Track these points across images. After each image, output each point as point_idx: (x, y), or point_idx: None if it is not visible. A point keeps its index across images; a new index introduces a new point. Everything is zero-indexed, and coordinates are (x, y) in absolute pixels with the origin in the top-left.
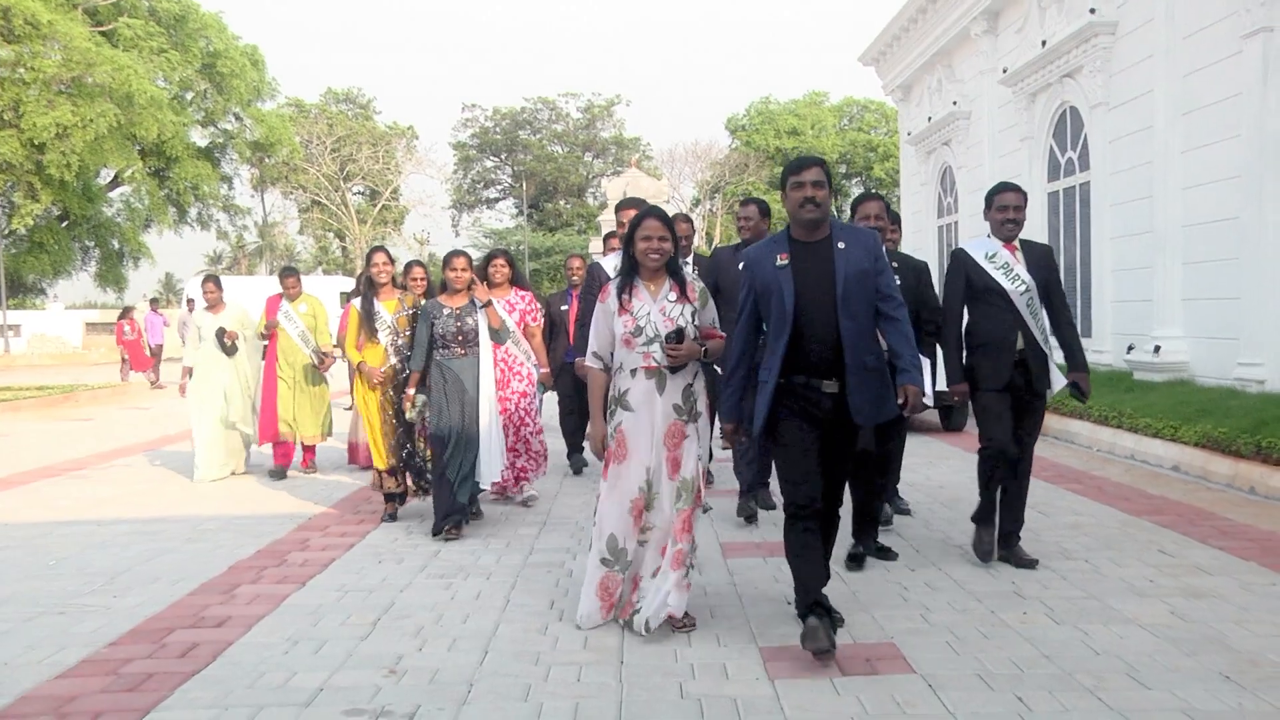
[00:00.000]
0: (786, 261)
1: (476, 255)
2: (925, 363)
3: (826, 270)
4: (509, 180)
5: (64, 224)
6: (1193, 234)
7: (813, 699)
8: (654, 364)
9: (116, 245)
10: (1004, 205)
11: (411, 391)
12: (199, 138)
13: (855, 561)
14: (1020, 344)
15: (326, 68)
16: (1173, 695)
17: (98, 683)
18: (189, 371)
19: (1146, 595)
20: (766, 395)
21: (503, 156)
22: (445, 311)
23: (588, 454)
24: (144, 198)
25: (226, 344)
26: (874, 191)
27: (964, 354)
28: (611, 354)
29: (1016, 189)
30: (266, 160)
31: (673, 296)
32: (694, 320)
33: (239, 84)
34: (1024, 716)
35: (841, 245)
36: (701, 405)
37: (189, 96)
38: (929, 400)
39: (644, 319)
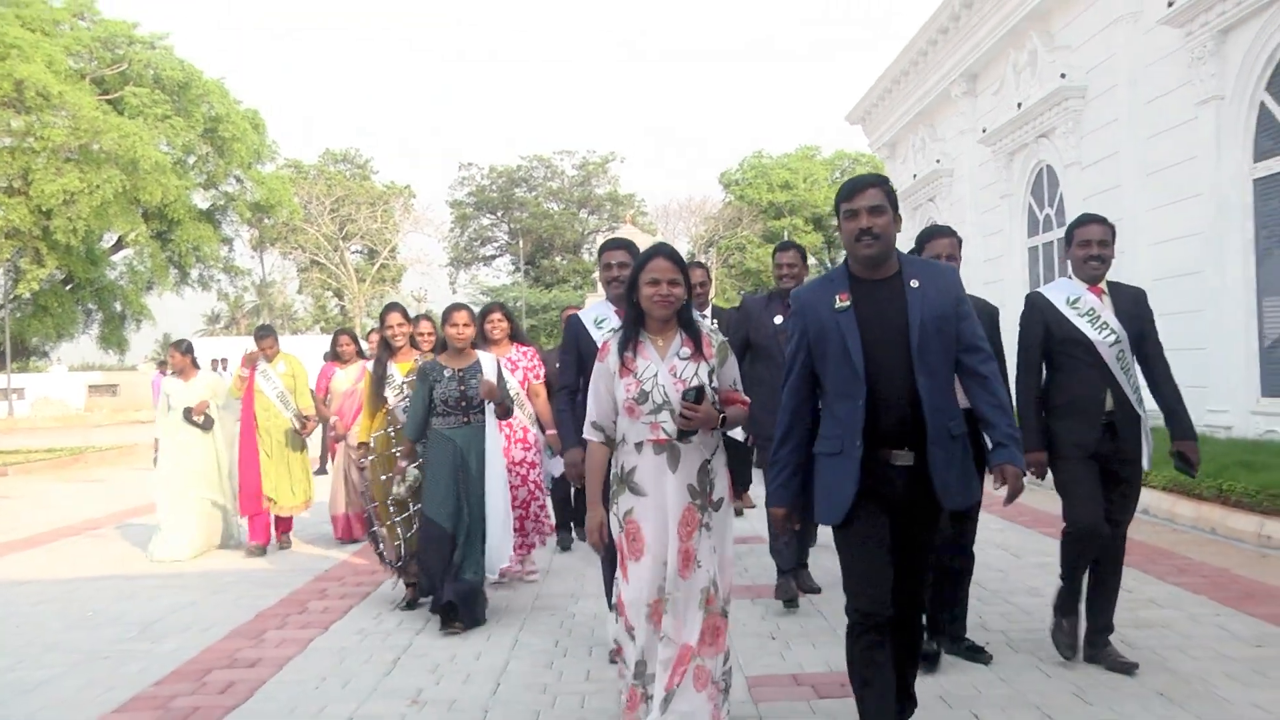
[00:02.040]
0: (848, 303)
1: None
2: None
3: (898, 314)
4: (505, 237)
5: (68, 287)
6: (1161, 287)
7: (790, 717)
8: (664, 436)
9: (119, 307)
10: (1086, 240)
11: (404, 463)
12: (201, 200)
13: (928, 661)
14: (1110, 404)
15: (325, 129)
16: (1111, 710)
17: (149, 715)
18: (158, 443)
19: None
20: (849, 471)
21: (499, 214)
22: (446, 373)
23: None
24: (146, 260)
25: (197, 420)
26: (944, 226)
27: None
28: (614, 423)
29: (1102, 220)
30: (266, 221)
31: (685, 353)
32: (711, 381)
33: (240, 147)
34: None
35: (915, 284)
36: (722, 489)
37: (191, 160)
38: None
39: (650, 382)
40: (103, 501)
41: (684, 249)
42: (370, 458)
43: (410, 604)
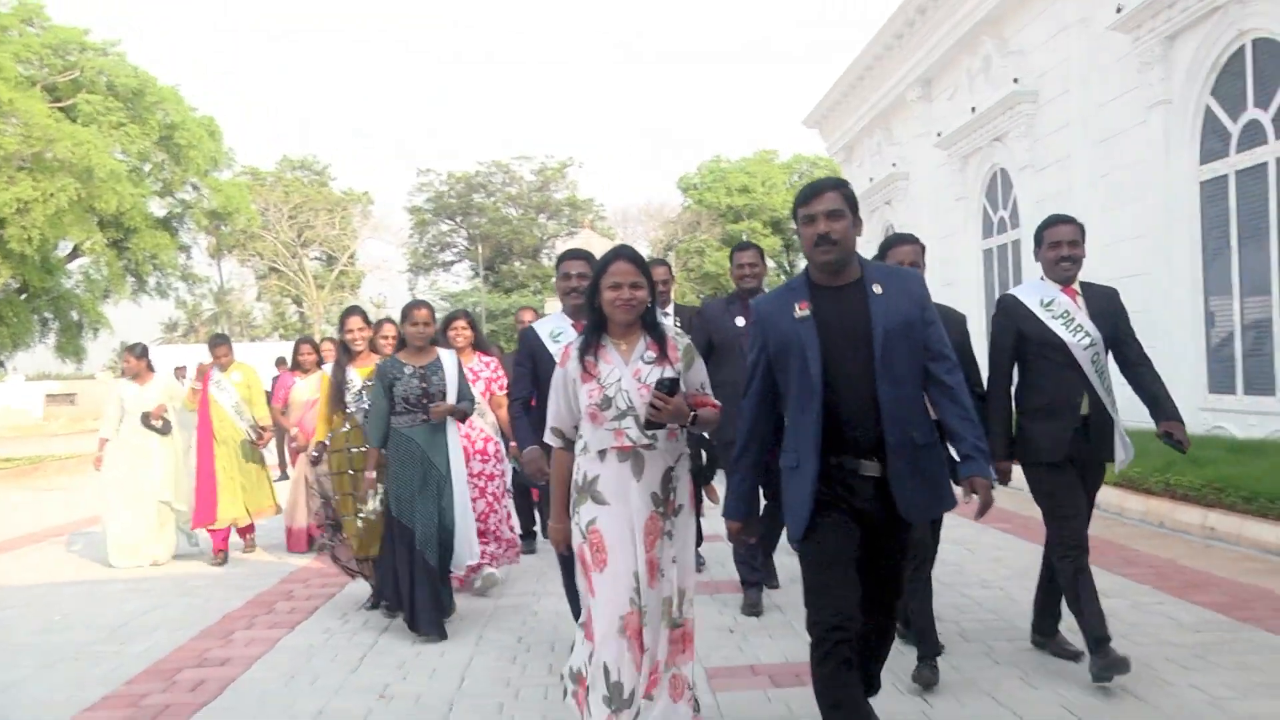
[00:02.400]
0: (808, 312)
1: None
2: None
3: (860, 321)
4: (464, 243)
5: (23, 296)
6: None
7: (748, 705)
8: (628, 443)
9: (76, 316)
10: (1057, 241)
11: (372, 474)
12: (157, 208)
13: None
14: (1085, 407)
15: (281, 136)
16: (1056, 693)
17: (121, 713)
18: (104, 443)
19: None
20: (805, 485)
21: (458, 220)
22: (407, 370)
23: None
24: (103, 269)
25: (156, 425)
26: (907, 234)
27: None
28: (574, 428)
29: (1071, 221)
30: (224, 228)
31: (650, 356)
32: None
33: (196, 155)
34: (927, 714)
35: (878, 289)
36: (684, 495)
37: (147, 168)
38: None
39: (613, 387)
40: (64, 509)
41: (643, 253)
42: (326, 455)
43: (375, 604)
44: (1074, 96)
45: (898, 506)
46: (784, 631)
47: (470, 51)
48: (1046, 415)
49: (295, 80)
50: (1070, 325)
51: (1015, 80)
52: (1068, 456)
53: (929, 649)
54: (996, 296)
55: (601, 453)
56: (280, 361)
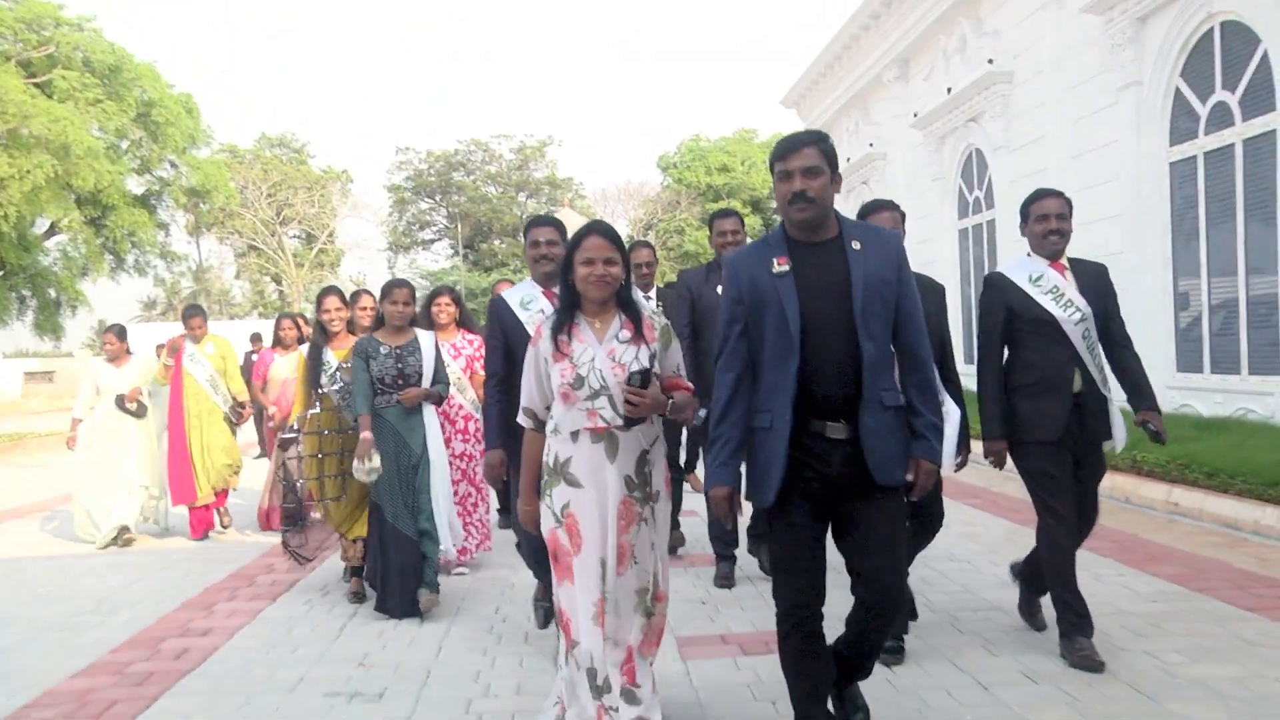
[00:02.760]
0: (787, 267)
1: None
2: (954, 413)
3: (839, 277)
4: (444, 222)
5: (0, 274)
6: None
7: (717, 672)
8: (602, 424)
9: (53, 294)
10: (1044, 214)
11: (369, 434)
12: (135, 185)
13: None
14: (1078, 384)
15: (260, 113)
16: (1015, 660)
17: (107, 680)
18: (77, 423)
19: (1010, 587)
20: (778, 446)
21: (437, 198)
22: (383, 350)
23: None
24: (80, 246)
25: (131, 408)
26: (887, 199)
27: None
28: (546, 409)
29: (1058, 194)
30: (202, 206)
31: (625, 335)
32: (653, 365)
33: (174, 132)
34: (891, 681)
35: (856, 246)
36: (659, 481)
37: (125, 145)
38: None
39: (586, 366)
40: (45, 485)
41: (623, 232)
42: (300, 437)
43: (359, 596)
44: (1048, 77)
45: (869, 466)
46: (756, 603)
47: (454, 40)
48: (1038, 392)
49: (289, 75)
50: (1060, 300)
51: (990, 61)
52: (1060, 438)
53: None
54: (971, 276)
55: (574, 434)
56: (255, 338)
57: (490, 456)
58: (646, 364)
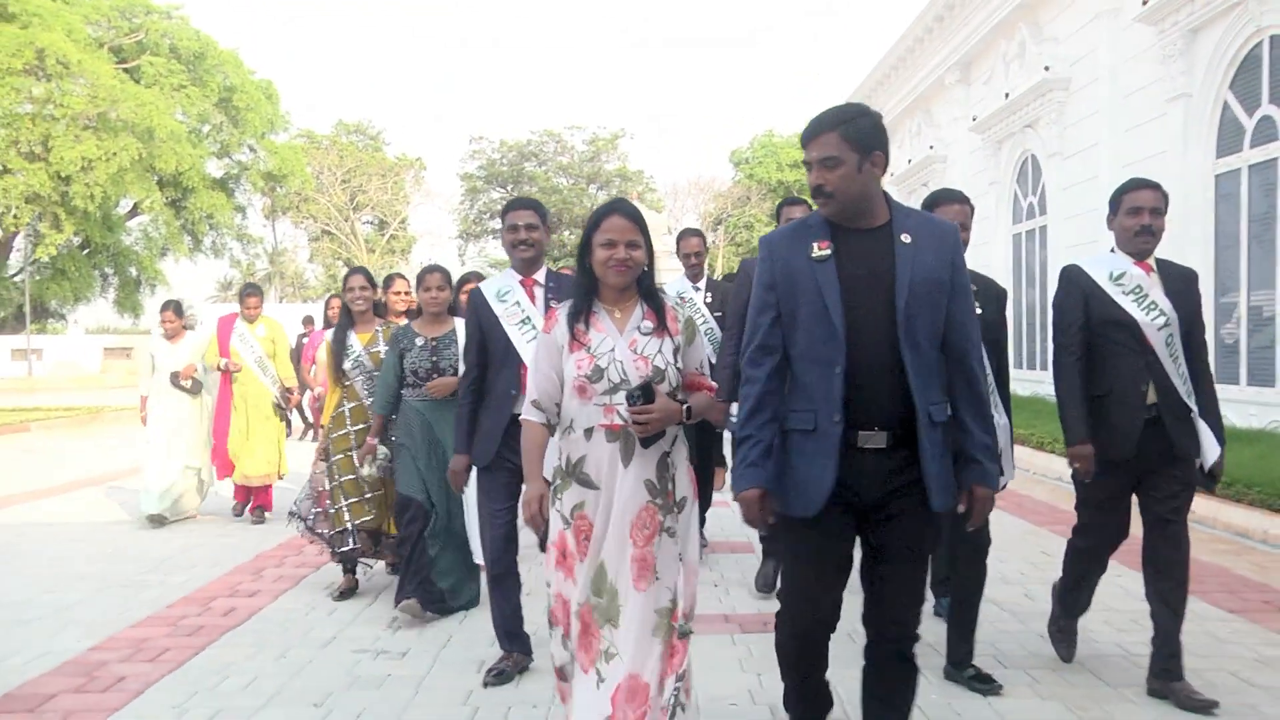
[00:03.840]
0: (828, 252)
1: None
2: (1002, 427)
3: (883, 271)
4: None
5: (85, 252)
6: None
7: (714, 647)
8: (619, 421)
9: (134, 273)
10: (1136, 207)
11: (374, 440)
12: (214, 169)
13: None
14: (1152, 396)
15: (337, 99)
16: (992, 646)
17: (161, 630)
18: (145, 401)
19: (1012, 583)
20: (825, 454)
21: (509, 188)
22: (419, 341)
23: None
24: (161, 227)
25: (185, 385)
26: (955, 190)
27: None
28: (558, 406)
29: (1155, 186)
30: (279, 190)
31: (647, 327)
32: (675, 360)
33: (254, 117)
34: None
35: (907, 239)
36: (685, 486)
37: (206, 130)
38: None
39: (605, 358)
40: (119, 456)
41: (694, 224)
42: (331, 437)
43: (346, 593)
44: (1102, 86)
45: (929, 490)
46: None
47: (527, 27)
48: (1108, 406)
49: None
50: (1143, 302)
51: (1046, 68)
52: (1130, 457)
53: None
54: (1024, 282)
55: (589, 431)
56: (307, 320)
57: (455, 462)
58: (670, 358)
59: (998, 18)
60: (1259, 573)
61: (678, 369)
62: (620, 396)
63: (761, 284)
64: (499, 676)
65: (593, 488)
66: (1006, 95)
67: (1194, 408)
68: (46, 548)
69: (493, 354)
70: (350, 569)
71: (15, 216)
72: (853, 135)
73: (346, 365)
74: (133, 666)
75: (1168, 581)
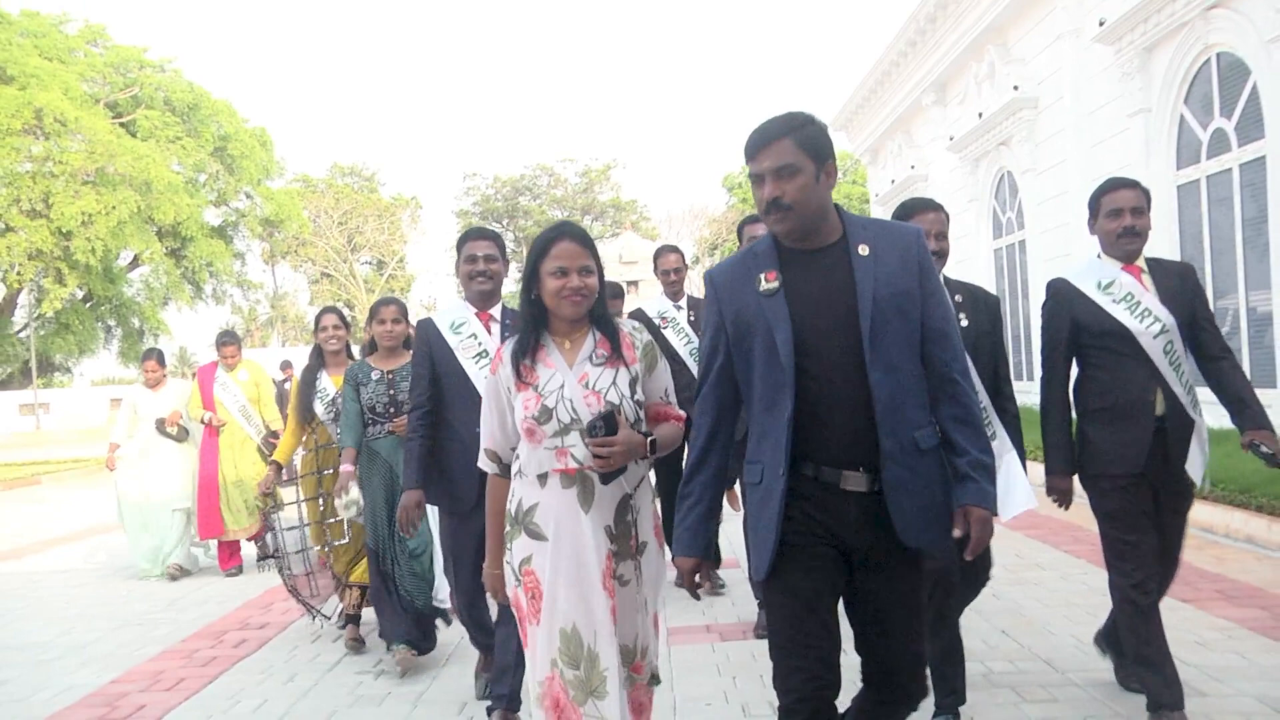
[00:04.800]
0: (776, 284)
1: None
2: (1010, 453)
3: (843, 291)
4: (511, 245)
5: (88, 305)
6: None
7: (693, 655)
8: (573, 465)
9: (137, 323)
10: (1116, 209)
11: (350, 467)
12: (212, 217)
13: None
14: (1160, 407)
15: (332, 142)
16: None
17: (177, 662)
18: (115, 448)
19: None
20: (771, 507)
21: (504, 223)
22: (374, 375)
23: None
24: (162, 277)
25: (171, 432)
26: (929, 199)
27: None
28: (513, 451)
29: (1134, 184)
30: (276, 235)
31: (600, 356)
32: (633, 393)
33: (249, 165)
34: None
35: (864, 250)
36: (647, 530)
37: (202, 179)
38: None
39: (554, 396)
40: None
41: (689, 251)
42: (298, 479)
43: (358, 644)
44: (1068, 103)
45: (896, 528)
46: (747, 600)
47: (517, 62)
48: (1113, 418)
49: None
50: (1135, 310)
51: (1015, 88)
52: (1142, 472)
53: (951, 698)
54: (1007, 295)
55: (541, 476)
56: (285, 365)
57: (406, 498)
58: (626, 390)
59: (967, 40)
60: (1217, 564)
61: (636, 401)
62: (573, 437)
63: (710, 325)
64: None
65: (540, 539)
66: (980, 115)
67: (1197, 419)
68: (62, 592)
69: (446, 389)
70: (352, 620)
71: (19, 273)
72: (807, 142)
73: (319, 408)
74: (151, 696)
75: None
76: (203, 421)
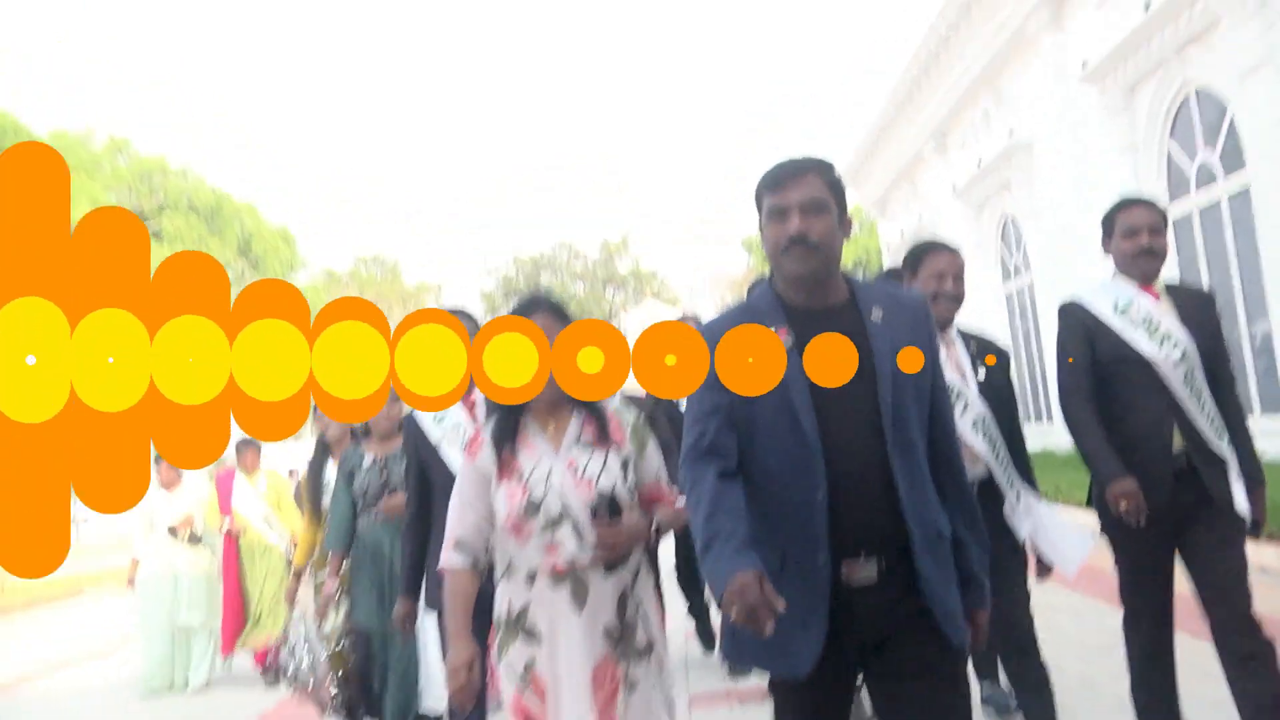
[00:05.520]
0: (790, 342)
1: None
2: (1039, 503)
3: (860, 356)
4: None
5: None
6: None
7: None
8: (562, 564)
9: None
10: (1133, 228)
11: (331, 583)
12: None
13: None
14: (1178, 444)
15: (351, 235)
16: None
17: None
18: (136, 564)
19: None
20: (810, 603)
21: None
22: (366, 461)
23: None
24: None
25: (181, 535)
26: (943, 241)
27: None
28: (485, 542)
29: (1149, 204)
30: None
31: (587, 438)
32: (626, 477)
33: (274, 261)
34: None
35: (877, 316)
36: (653, 627)
37: (229, 276)
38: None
39: (541, 486)
40: None
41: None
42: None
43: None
44: (1062, 143)
45: (939, 623)
46: None
47: (531, 137)
48: (1126, 454)
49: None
50: (1154, 334)
51: (1010, 132)
52: (1159, 510)
53: None
54: (1020, 336)
55: (530, 577)
56: (294, 474)
57: (399, 608)
58: (619, 475)
59: (961, 88)
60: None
61: (630, 487)
62: (563, 532)
63: (707, 383)
64: None
65: (539, 643)
66: (979, 162)
67: (1228, 455)
68: (106, 701)
69: (436, 487)
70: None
71: None
72: (834, 185)
73: (326, 501)
74: None
75: (1253, 681)
76: (220, 530)
